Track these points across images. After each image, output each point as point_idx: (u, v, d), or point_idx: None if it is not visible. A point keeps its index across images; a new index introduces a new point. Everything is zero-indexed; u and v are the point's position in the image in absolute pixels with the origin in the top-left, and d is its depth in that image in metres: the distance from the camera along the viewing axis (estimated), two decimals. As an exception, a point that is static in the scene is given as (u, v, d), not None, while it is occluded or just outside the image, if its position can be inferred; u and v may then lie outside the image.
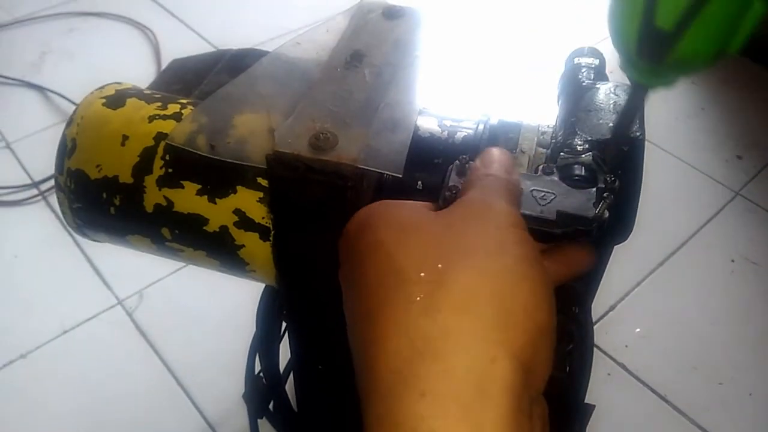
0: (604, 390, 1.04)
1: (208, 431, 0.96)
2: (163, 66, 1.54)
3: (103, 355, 1.05)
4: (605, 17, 0.39)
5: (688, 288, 1.22)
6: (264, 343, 0.79)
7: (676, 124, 1.54)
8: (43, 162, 1.32)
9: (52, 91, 1.50)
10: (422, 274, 0.33)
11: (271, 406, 0.81)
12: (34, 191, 1.29)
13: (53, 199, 1.28)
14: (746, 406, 1.05)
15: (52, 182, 1.29)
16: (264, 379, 0.80)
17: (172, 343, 1.05)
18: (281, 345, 0.80)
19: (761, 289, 1.23)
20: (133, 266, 1.13)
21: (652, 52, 0.36)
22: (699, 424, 1.03)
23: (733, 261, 1.27)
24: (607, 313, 1.14)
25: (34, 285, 1.15)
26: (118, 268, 1.15)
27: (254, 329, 0.80)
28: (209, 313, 1.09)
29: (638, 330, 1.14)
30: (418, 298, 0.32)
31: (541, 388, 0.33)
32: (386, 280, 0.34)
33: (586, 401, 0.64)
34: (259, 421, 0.80)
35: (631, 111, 0.44)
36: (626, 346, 1.11)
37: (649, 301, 1.18)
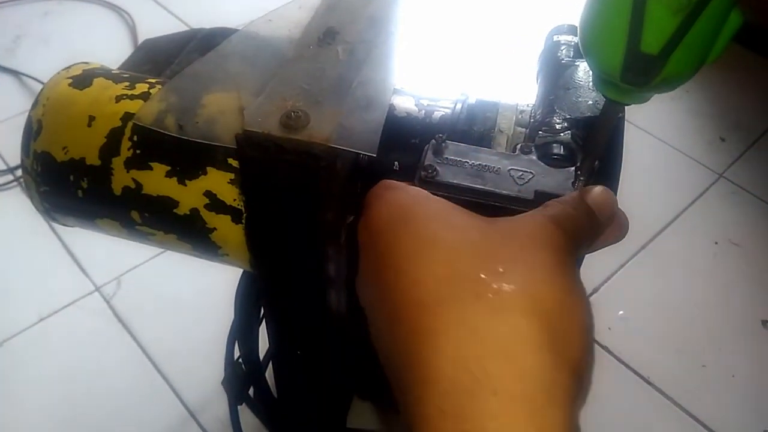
0: (588, 373, 1.04)
1: (188, 418, 0.95)
2: (141, 48, 1.52)
3: (81, 342, 1.04)
4: (579, 38, 0.38)
5: (672, 270, 1.22)
6: (243, 329, 0.78)
7: (659, 106, 1.54)
8: (19, 147, 1.29)
9: (27, 76, 1.47)
10: (485, 275, 0.33)
11: (251, 392, 0.80)
12: (10, 177, 1.27)
13: (29, 185, 1.26)
14: (729, 389, 1.05)
15: (27, 168, 1.27)
16: (243, 366, 0.79)
17: (151, 329, 1.04)
18: (261, 331, 0.79)
19: (744, 271, 1.23)
20: (111, 252, 1.11)
21: (638, 76, 0.36)
22: (682, 405, 1.03)
23: (716, 243, 1.27)
24: (590, 295, 1.14)
25: (9, 272, 1.13)
26: (95, 254, 1.13)
27: (233, 315, 0.79)
28: (188, 299, 1.08)
29: (621, 312, 1.14)
30: (489, 296, 0.32)
31: (582, 405, 0.33)
32: (447, 277, 0.34)
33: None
34: (239, 407, 0.79)
35: (606, 127, 0.43)
36: (609, 328, 1.11)
37: (632, 283, 1.18)
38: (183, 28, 1.61)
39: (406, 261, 0.36)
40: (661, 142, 1.44)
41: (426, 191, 0.40)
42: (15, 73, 1.49)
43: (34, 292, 1.10)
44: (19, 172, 1.27)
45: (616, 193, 0.50)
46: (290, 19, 0.55)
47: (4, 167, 1.28)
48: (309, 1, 0.56)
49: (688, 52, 0.35)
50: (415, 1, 0.58)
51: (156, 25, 1.61)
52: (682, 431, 1.01)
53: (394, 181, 0.42)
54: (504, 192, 0.43)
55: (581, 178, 0.43)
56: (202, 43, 0.65)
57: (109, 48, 1.56)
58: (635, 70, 0.36)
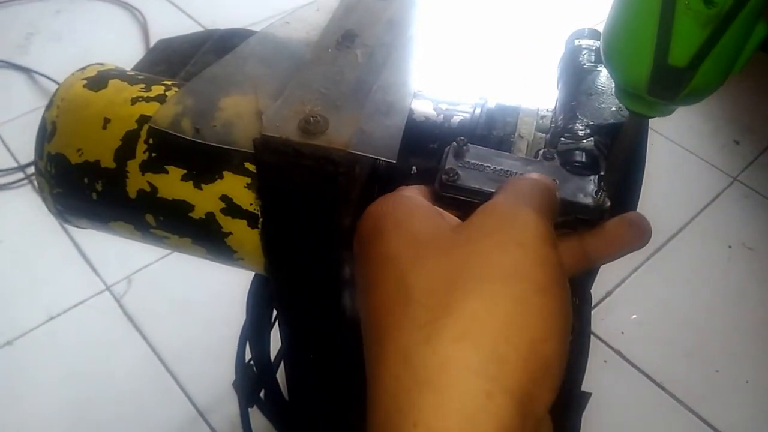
0: (600, 377, 1.03)
1: (197, 419, 0.94)
2: (152, 45, 1.51)
3: (91, 341, 1.04)
4: (603, 49, 0.38)
5: (685, 274, 1.21)
6: (254, 331, 0.77)
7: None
8: (30, 145, 1.27)
9: (38, 73, 1.47)
10: (431, 299, 0.31)
11: (261, 394, 0.80)
12: (21, 175, 1.27)
13: (40, 183, 1.26)
14: (743, 394, 1.04)
15: (38, 166, 1.27)
16: (254, 368, 0.79)
17: (161, 329, 1.04)
18: (272, 333, 0.79)
19: (758, 275, 1.22)
20: (122, 252, 1.11)
21: (665, 89, 0.36)
22: (696, 411, 1.02)
23: (730, 247, 1.26)
24: (603, 299, 1.13)
25: (20, 270, 1.13)
26: (105, 253, 1.13)
27: (244, 316, 0.78)
28: (199, 299, 1.07)
29: (634, 316, 1.13)
30: (423, 324, 0.31)
31: (543, 414, 0.31)
32: (396, 300, 0.33)
33: (582, 389, 0.62)
34: (250, 409, 0.79)
35: (630, 141, 0.42)
36: (622, 332, 1.10)
37: (645, 287, 1.17)
38: (195, 26, 1.61)
39: (368, 280, 0.36)
40: (675, 145, 1.43)
41: (428, 206, 0.39)
42: (27, 71, 1.49)
43: (43, 290, 1.09)
44: (30, 170, 1.27)
45: (638, 200, 0.49)
46: (308, 22, 0.55)
47: (15, 165, 1.28)
48: (327, 4, 0.56)
49: (716, 63, 0.34)
50: (434, 4, 0.57)
51: (167, 23, 1.61)
52: (695, 437, 1.01)
53: (396, 191, 0.41)
54: (526, 200, 0.42)
55: (603, 190, 0.42)
56: (217, 45, 0.65)
57: (120, 46, 1.56)
58: (662, 83, 0.35)
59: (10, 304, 1.08)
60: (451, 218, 0.38)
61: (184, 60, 0.64)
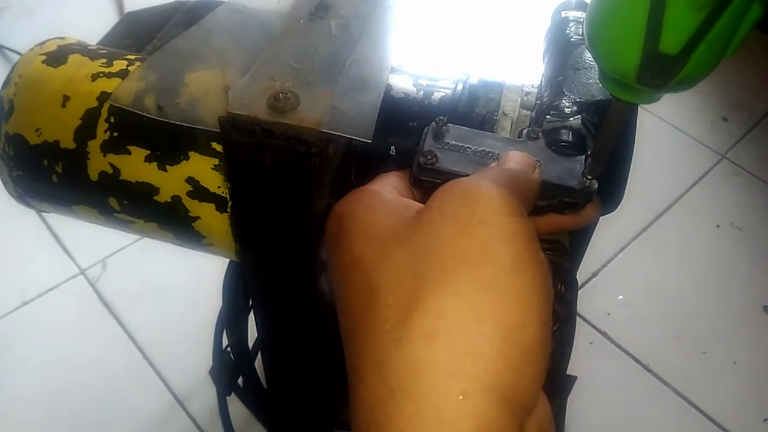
0: (586, 359, 1.02)
1: (175, 406, 0.92)
2: (127, 22, 1.47)
3: (65, 327, 1.01)
4: (586, 34, 0.36)
5: (672, 254, 1.19)
6: (231, 318, 0.75)
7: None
8: (1, 124, 1.25)
9: (9, 50, 1.43)
10: (396, 298, 0.29)
11: (240, 381, 0.78)
12: (-8, 155, 1.23)
13: (12, 163, 1.22)
14: (730, 376, 1.03)
15: (10, 145, 1.23)
16: (232, 355, 0.77)
17: (137, 314, 1.01)
18: (250, 319, 0.76)
19: (746, 255, 1.20)
20: (96, 234, 1.07)
21: (655, 77, 0.34)
22: (682, 393, 1.01)
23: (717, 226, 1.24)
24: (589, 279, 1.11)
25: (-9, 255, 1.10)
26: (79, 236, 1.10)
27: (221, 302, 0.76)
28: (175, 282, 1.05)
29: (621, 297, 1.11)
30: (391, 327, 0.29)
31: (533, 403, 0.29)
32: (363, 304, 0.31)
33: (567, 372, 0.61)
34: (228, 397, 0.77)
35: (615, 129, 0.40)
36: (608, 314, 1.08)
37: (631, 267, 1.15)
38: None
39: (337, 284, 0.35)
40: (662, 121, 1.41)
41: (393, 198, 0.37)
42: (-3, 47, 1.44)
43: (16, 274, 1.06)
44: (1, 150, 1.23)
45: (626, 182, 0.47)
46: (280, -9, 0.52)
47: (-14, 144, 1.24)
48: (300, -28, 0.52)
49: (709, 49, 0.32)
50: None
51: (143, -1, 1.56)
52: (682, 419, 1.00)
53: (365, 186, 0.39)
54: (510, 182, 0.39)
55: (588, 177, 0.40)
56: (186, 17, 0.62)
57: (94, 20, 1.49)
58: (652, 72, 0.33)
59: (-18, 289, 1.05)
60: (416, 206, 0.35)
61: (151, 33, 0.61)
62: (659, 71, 0.33)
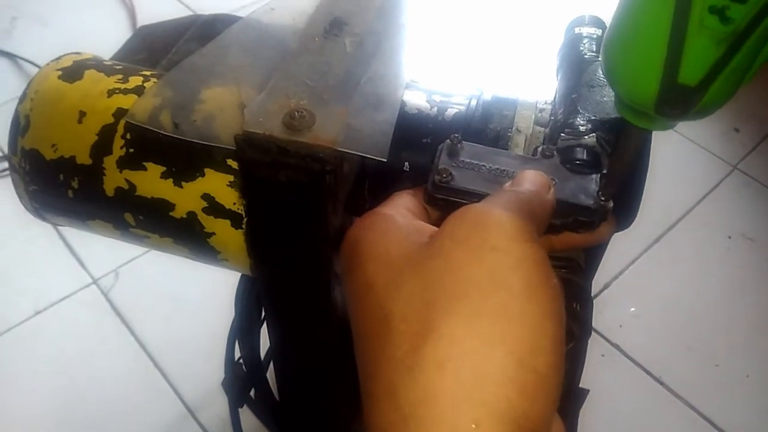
0: (598, 371, 1.01)
1: (187, 416, 0.93)
2: (140, 32, 1.48)
3: (78, 336, 1.01)
4: (604, 61, 0.36)
5: (684, 266, 1.19)
6: (243, 329, 0.75)
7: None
8: (15, 133, 1.26)
9: (23, 59, 1.44)
10: (409, 325, 0.29)
11: (252, 393, 0.78)
12: (5, 164, 1.24)
13: (25, 173, 1.23)
14: (743, 389, 1.03)
15: (23, 155, 1.24)
16: (244, 367, 0.77)
17: (149, 323, 1.01)
18: (262, 331, 0.77)
19: (758, 266, 1.20)
20: (109, 244, 1.07)
21: (674, 108, 0.34)
22: (694, 406, 1.00)
23: (729, 238, 1.24)
24: (601, 292, 1.11)
25: (5, 263, 1.10)
26: (92, 245, 1.10)
27: (233, 313, 0.76)
28: (187, 293, 1.05)
29: (633, 309, 1.11)
30: (404, 354, 0.29)
31: (546, 428, 0.29)
32: (377, 331, 0.31)
33: (579, 385, 0.61)
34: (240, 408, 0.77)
35: (630, 154, 0.40)
36: (620, 326, 1.08)
37: (643, 279, 1.15)
38: (184, 12, 1.57)
39: (351, 311, 0.35)
40: (674, 132, 1.40)
41: (407, 223, 0.37)
42: (10, 56, 1.45)
43: (29, 284, 1.07)
44: (15, 159, 1.24)
45: (641, 199, 0.47)
46: (294, 8, 0.52)
47: None
48: (314, -11, 0.53)
49: (727, 80, 0.32)
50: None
51: (156, 9, 1.57)
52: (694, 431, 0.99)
53: (378, 208, 0.39)
54: (524, 201, 0.39)
55: (602, 199, 0.40)
56: (201, 31, 0.62)
57: (107, 31, 1.52)
58: (671, 103, 0.33)
59: (-5, 297, 1.06)
60: (429, 230, 0.35)
61: (166, 47, 0.61)
62: (678, 102, 0.33)
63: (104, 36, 1.52)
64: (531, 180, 0.38)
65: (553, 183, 0.39)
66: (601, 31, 0.53)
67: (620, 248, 1.13)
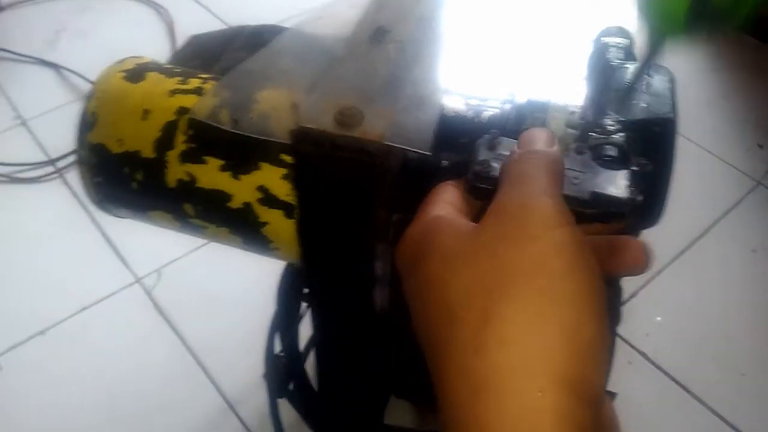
0: (625, 378, 1.03)
1: (227, 410, 0.96)
2: (178, 44, 1.54)
3: (121, 333, 1.06)
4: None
5: (709, 277, 1.20)
6: (284, 323, 0.79)
7: (697, 112, 1.52)
8: (60, 139, 1.32)
9: (66, 69, 1.50)
10: (470, 313, 0.33)
11: (290, 386, 0.81)
12: (51, 168, 1.29)
13: (70, 177, 1.28)
14: (767, 397, 1.04)
15: (68, 159, 1.29)
16: (284, 359, 0.80)
17: (191, 321, 1.05)
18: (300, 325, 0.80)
19: (782, 279, 1.21)
20: (152, 245, 1.12)
21: (706, 30, 0.37)
22: (720, 414, 1.01)
23: (754, 251, 1.25)
24: (628, 300, 1.13)
25: (52, 262, 1.15)
26: (136, 246, 1.15)
27: (273, 309, 0.80)
28: (227, 291, 1.09)
29: (659, 318, 1.13)
30: (469, 338, 0.33)
31: (601, 394, 0.33)
32: (441, 320, 0.35)
33: (607, 389, 0.63)
34: (278, 401, 0.80)
35: (652, 58, 0.44)
36: (647, 334, 1.10)
37: (669, 289, 1.17)
38: (220, 25, 1.63)
39: (414, 306, 0.38)
40: (699, 148, 1.42)
41: (436, 218, 0.40)
42: (55, 67, 1.52)
43: (75, 282, 1.12)
44: (60, 164, 1.29)
45: (667, 196, 0.49)
46: (340, 17, 0.56)
47: (45, 159, 1.31)
48: (358, 0, 0.57)
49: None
50: (462, 2, 0.58)
51: (193, 22, 1.63)
52: (719, 440, 1.00)
53: (426, 208, 0.43)
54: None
55: (634, 189, 0.43)
56: (248, 40, 0.66)
57: (146, 43, 1.58)
58: (701, 26, 0.36)
59: (43, 295, 1.10)
60: (471, 227, 0.39)
61: (215, 55, 0.65)
62: (709, 25, 0.36)
63: (143, 48, 1.56)
64: (539, 137, 0.41)
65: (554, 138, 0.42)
66: (627, 40, 0.56)
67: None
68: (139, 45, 1.58)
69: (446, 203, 0.43)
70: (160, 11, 1.67)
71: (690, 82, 1.35)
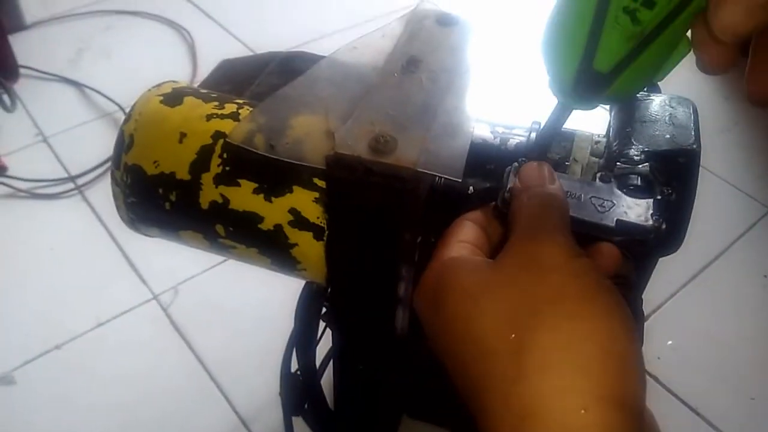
0: (634, 401, 1.04)
1: (240, 428, 0.97)
2: (200, 66, 1.57)
3: (138, 348, 1.06)
4: (541, 44, 0.41)
5: (720, 302, 1.21)
6: (302, 342, 0.80)
7: (708, 139, 1.51)
8: (80, 156, 1.33)
9: (89, 87, 1.52)
10: (501, 344, 0.35)
11: (306, 404, 0.82)
12: (71, 185, 1.31)
13: (90, 194, 1.30)
14: (777, 423, 1.04)
15: (88, 177, 1.31)
16: (301, 377, 0.81)
17: (207, 338, 1.06)
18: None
19: (794, 306, 1.22)
20: (169, 262, 1.14)
21: (587, 90, 0.39)
22: (730, 438, 1.02)
23: (765, 276, 1.26)
24: (638, 324, 1.14)
25: (69, 278, 1.16)
26: (153, 263, 1.16)
27: (289, 327, 0.80)
28: (244, 310, 1.10)
29: (670, 342, 1.13)
30: (506, 369, 0.34)
31: (643, 401, 0.34)
32: (473, 356, 0.36)
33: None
34: (292, 419, 0.81)
35: (556, 127, 0.46)
36: (658, 357, 1.10)
37: (681, 314, 1.17)
38: (241, 46, 1.65)
39: (441, 345, 0.39)
40: (711, 174, 1.44)
41: (452, 260, 0.42)
42: (77, 85, 1.54)
43: (92, 297, 1.13)
44: (80, 181, 1.31)
45: (688, 224, 0.51)
46: (374, 47, 0.58)
47: (65, 176, 1.32)
48: (391, 30, 0.59)
49: (636, 73, 0.38)
50: (491, 33, 0.60)
51: (214, 43, 1.66)
52: (730, 465, 1.01)
53: (442, 250, 0.44)
54: (587, 219, 0.44)
55: (658, 217, 0.45)
56: (280, 67, 0.68)
57: (169, 64, 1.60)
58: (585, 84, 0.39)
59: (60, 309, 1.11)
60: (487, 263, 0.41)
61: (248, 80, 0.67)
62: (591, 85, 0.39)
63: (165, 68, 1.61)
64: (536, 175, 0.44)
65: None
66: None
67: (659, 283, 1.16)
68: (161, 65, 1.63)
69: (462, 242, 0.44)
70: (182, 32, 1.70)
71: (701, 110, 1.36)
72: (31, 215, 1.27)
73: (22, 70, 1.54)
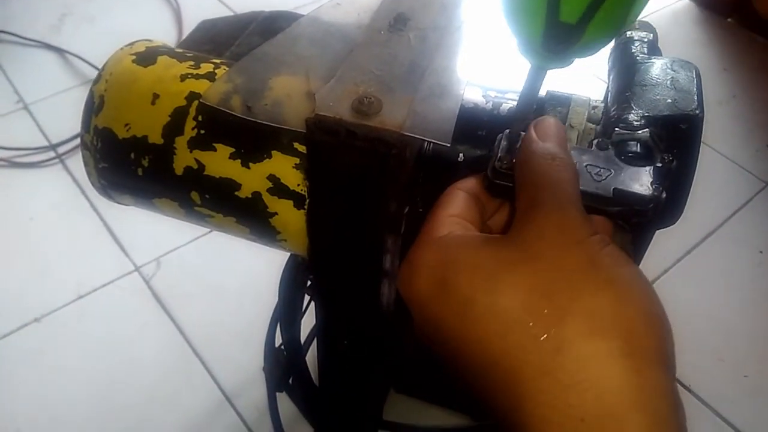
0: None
1: (224, 402, 0.95)
2: (185, 31, 1.52)
3: (119, 321, 1.04)
4: (502, 6, 0.38)
5: (715, 278, 1.20)
6: (286, 316, 0.77)
7: (706, 112, 1.50)
8: (61, 124, 1.30)
9: (71, 54, 1.48)
10: (532, 317, 0.34)
11: (290, 380, 0.80)
12: (52, 154, 1.27)
13: (71, 162, 1.26)
14: (771, 400, 1.03)
15: (69, 145, 1.28)
16: (285, 353, 0.79)
17: (189, 311, 1.04)
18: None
19: (789, 282, 1.20)
20: (152, 233, 1.11)
21: (558, 44, 0.37)
22: (723, 416, 1.01)
23: (761, 252, 1.24)
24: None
25: (49, 248, 1.13)
26: (135, 234, 1.13)
27: (274, 301, 0.78)
28: (227, 282, 1.08)
29: (663, 318, 1.12)
30: (543, 342, 0.33)
31: (673, 358, 0.35)
32: (496, 331, 0.34)
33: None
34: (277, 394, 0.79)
35: (533, 93, 0.43)
36: (650, 334, 1.09)
37: (674, 290, 1.16)
38: (227, 11, 1.61)
39: (455, 324, 0.37)
40: (707, 147, 1.41)
41: (461, 234, 0.40)
42: (59, 51, 1.50)
43: (73, 269, 1.10)
44: (61, 149, 1.28)
45: (688, 195, 0.48)
46: (359, 4, 0.54)
47: (46, 144, 1.29)
48: (378, -14, 0.55)
49: (604, 20, 0.35)
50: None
51: (199, 7, 1.61)
52: (722, 441, 1.00)
53: (432, 230, 0.41)
54: (582, 188, 0.41)
55: (658, 186, 0.42)
56: (262, 26, 0.64)
57: (153, 30, 1.56)
58: (555, 39, 0.37)
59: (40, 281, 1.08)
60: (496, 237, 0.39)
61: (229, 40, 0.64)
62: (561, 38, 0.37)
63: (150, 34, 1.56)
64: (557, 135, 0.41)
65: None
66: (651, 35, 0.55)
67: (652, 259, 1.14)
68: (146, 31, 1.56)
69: (453, 217, 0.42)
70: (168, -2, 1.66)
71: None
72: (10, 184, 1.24)
73: (2, 36, 1.50)
